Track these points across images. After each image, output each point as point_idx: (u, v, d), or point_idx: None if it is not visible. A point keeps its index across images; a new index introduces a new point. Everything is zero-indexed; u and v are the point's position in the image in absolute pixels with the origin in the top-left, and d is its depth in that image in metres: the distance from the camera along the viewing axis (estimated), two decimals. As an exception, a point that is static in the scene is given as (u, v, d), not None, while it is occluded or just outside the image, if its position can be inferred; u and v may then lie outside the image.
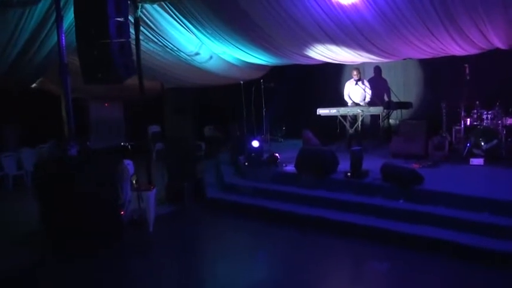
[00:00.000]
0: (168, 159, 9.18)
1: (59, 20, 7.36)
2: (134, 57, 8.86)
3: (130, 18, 8.00)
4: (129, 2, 8.37)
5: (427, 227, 6.45)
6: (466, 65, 9.10)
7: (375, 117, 11.47)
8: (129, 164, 7.88)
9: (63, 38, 7.42)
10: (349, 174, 7.95)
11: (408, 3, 7.23)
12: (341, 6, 7.68)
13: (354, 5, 7.59)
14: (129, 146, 7.41)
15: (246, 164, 9.42)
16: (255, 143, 9.34)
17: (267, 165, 9.24)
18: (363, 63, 11.30)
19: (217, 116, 14.08)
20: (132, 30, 7.91)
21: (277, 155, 9.36)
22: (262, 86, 11.02)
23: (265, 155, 9.59)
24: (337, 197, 7.70)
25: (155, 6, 8.74)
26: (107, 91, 13.51)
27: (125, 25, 7.11)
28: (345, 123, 10.78)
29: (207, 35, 9.87)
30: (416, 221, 6.63)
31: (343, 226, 7.04)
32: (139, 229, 7.55)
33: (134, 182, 7.74)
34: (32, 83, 12.70)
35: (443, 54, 9.35)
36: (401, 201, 7.16)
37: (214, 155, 12.20)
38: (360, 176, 7.85)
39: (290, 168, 8.88)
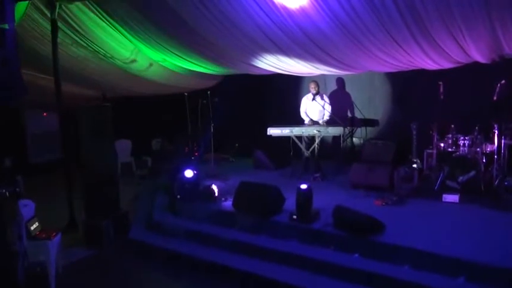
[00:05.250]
0: (84, 190, 7.61)
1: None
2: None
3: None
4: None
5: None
6: (440, 83, 7.75)
7: (336, 136, 10.00)
8: (27, 205, 6.32)
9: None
10: (294, 217, 6.52)
11: (369, 8, 5.83)
12: (287, 10, 6.27)
13: (302, 10, 6.17)
14: (8, 193, 5.83)
15: (179, 196, 7.90)
16: (188, 173, 7.85)
17: (202, 199, 7.73)
18: (324, 75, 9.88)
19: (165, 129, 12.70)
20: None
21: (214, 187, 7.83)
22: (204, 101, 9.65)
23: (203, 185, 8.13)
24: (280, 247, 6.27)
25: (82, 7, 7.41)
26: (44, 99, 12.12)
27: (8, 33, 5.57)
28: (300, 144, 9.35)
29: (141, 41, 8.45)
30: (373, 285, 5.29)
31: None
32: (39, 285, 6.02)
33: (32, 228, 6.21)
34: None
35: (412, 68, 8.02)
36: (356, 255, 5.76)
37: (161, 173, 10.78)
38: (308, 220, 6.43)
39: (229, 204, 7.41)
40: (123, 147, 12.15)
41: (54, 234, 6.35)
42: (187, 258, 6.73)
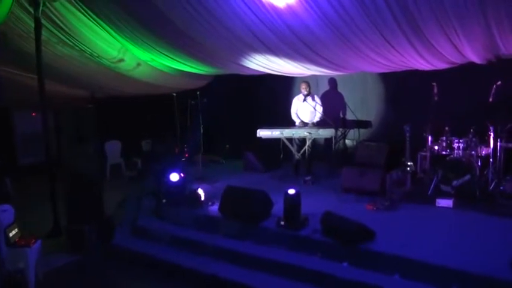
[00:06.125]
0: (67, 195, 7.35)
1: None
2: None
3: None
4: None
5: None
6: (434, 84, 7.52)
7: (328, 138, 9.75)
8: (6, 210, 6.07)
9: None
10: (282, 223, 6.28)
11: (358, 5, 5.60)
12: (275, 8, 6.03)
13: (290, 8, 5.94)
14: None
15: (164, 201, 7.65)
16: (174, 177, 7.60)
17: (188, 204, 7.48)
18: (316, 75, 9.64)
19: (155, 129, 12.44)
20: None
21: (200, 191, 7.58)
22: (193, 102, 9.41)
23: (190, 189, 7.89)
24: (266, 254, 6.00)
25: (67, 5, 7.13)
26: (33, 98, 11.89)
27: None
28: (291, 147, 9.11)
29: (128, 40, 8.21)
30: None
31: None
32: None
33: (11, 234, 5.96)
34: None
35: (405, 69, 7.79)
36: (345, 264, 5.52)
37: (150, 174, 10.53)
38: (295, 227, 6.18)
39: (216, 208, 7.17)
40: (113, 148, 11.94)
41: (33, 241, 6.08)
42: (171, 265, 6.46)
